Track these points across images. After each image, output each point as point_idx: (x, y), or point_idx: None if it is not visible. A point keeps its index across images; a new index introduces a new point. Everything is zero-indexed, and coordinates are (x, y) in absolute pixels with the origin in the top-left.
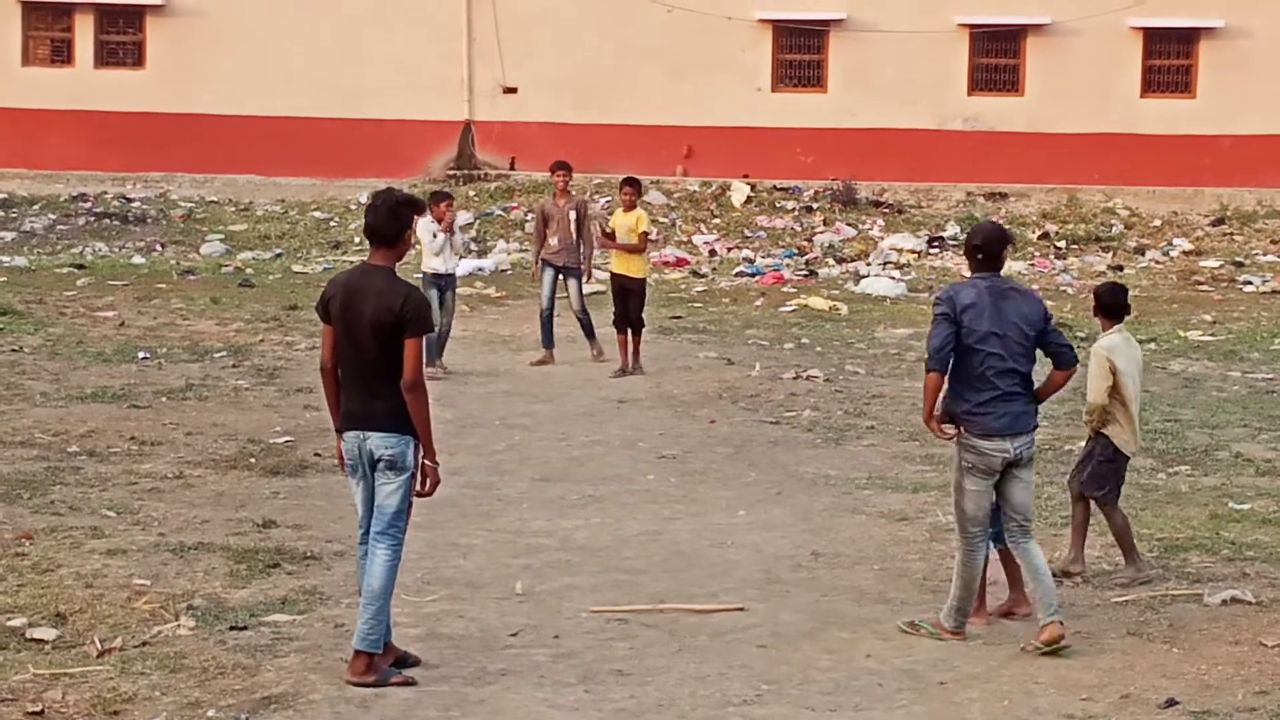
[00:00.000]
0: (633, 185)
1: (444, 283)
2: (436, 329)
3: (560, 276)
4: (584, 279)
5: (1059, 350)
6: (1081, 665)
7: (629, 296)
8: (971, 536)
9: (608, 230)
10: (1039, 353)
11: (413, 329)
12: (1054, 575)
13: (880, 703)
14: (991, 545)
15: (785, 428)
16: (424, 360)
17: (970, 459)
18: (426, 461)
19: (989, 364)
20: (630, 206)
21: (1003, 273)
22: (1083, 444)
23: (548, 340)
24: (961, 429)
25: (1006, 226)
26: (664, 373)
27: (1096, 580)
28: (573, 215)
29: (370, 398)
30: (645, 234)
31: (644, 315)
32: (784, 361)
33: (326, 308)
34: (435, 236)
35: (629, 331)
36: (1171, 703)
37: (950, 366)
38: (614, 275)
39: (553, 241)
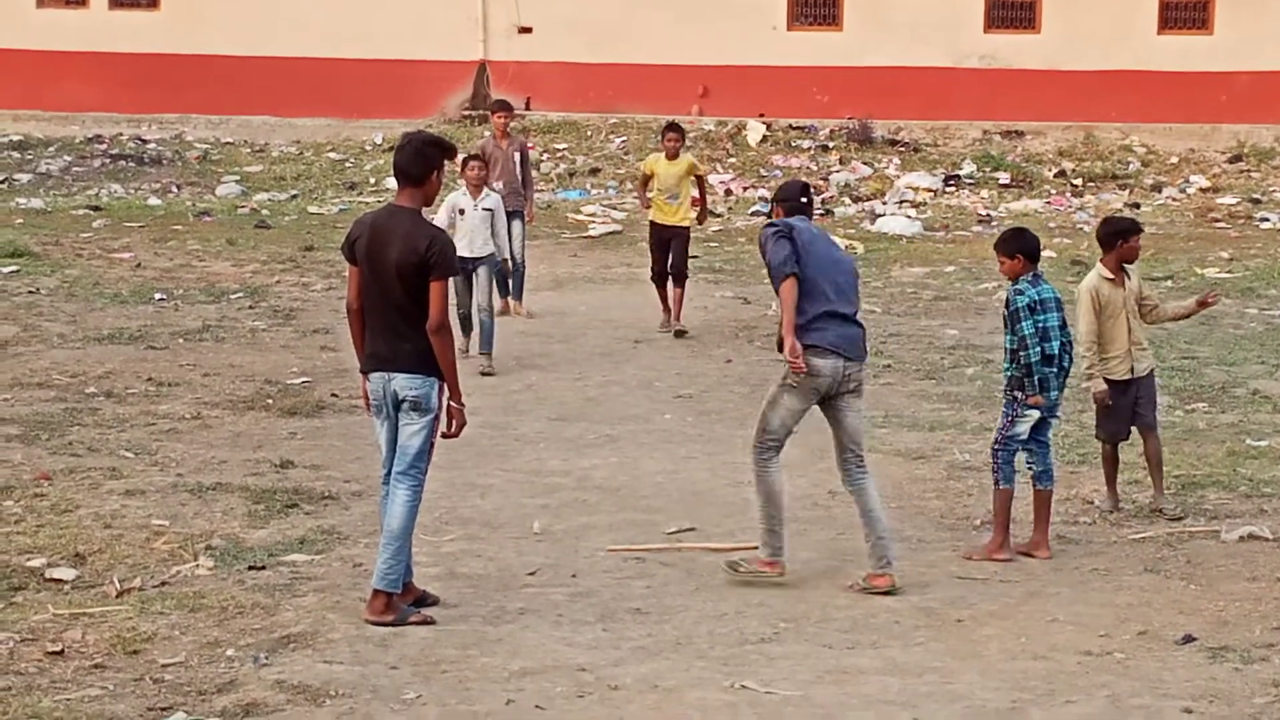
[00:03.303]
0: (677, 131)
1: (471, 266)
2: (462, 311)
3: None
4: (528, 221)
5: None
6: (1099, 602)
7: (673, 246)
8: (764, 450)
9: (647, 197)
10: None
11: (438, 271)
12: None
13: (898, 640)
14: (1036, 483)
15: None
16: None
17: (795, 378)
18: (452, 403)
19: (822, 287)
20: (674, 154)
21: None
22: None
23: (502, 289)
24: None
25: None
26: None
27: (1113, 517)
28: (517, 157)
29: (396, 339)
30: (702, 178)
31: (688, 266)
32: None
33: (352, 248)
34: (462, 214)
35: (671, 284)
36: (1189, 639)
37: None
38: (654, 225)
39: (497, 185)
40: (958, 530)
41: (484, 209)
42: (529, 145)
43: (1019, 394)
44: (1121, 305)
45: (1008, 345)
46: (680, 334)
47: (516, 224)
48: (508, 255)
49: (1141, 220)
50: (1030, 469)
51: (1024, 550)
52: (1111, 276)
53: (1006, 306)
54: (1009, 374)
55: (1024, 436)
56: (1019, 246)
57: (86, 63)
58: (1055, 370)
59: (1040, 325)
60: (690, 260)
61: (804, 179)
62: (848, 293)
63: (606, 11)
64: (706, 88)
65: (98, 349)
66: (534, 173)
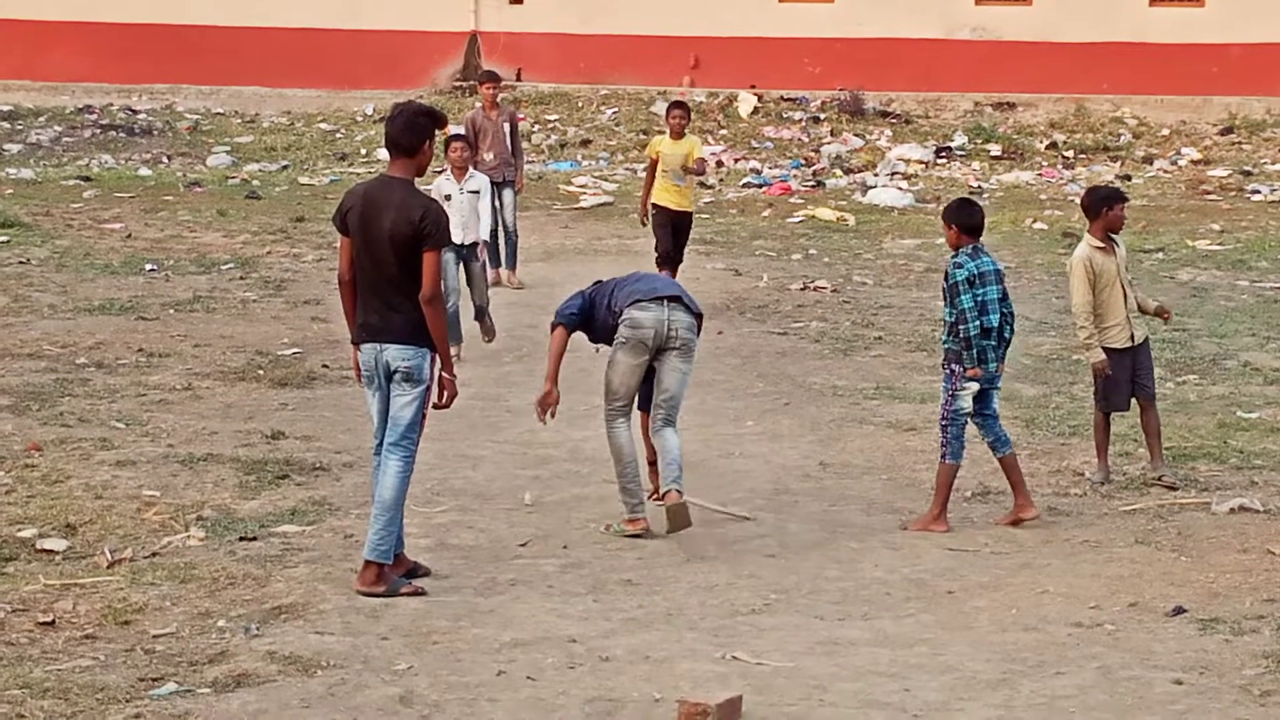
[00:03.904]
0: (682, 109)
1: (465, 252)
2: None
3: (495, 189)
4: (518, 190)
5: None
6: (1090, 574)
7: (675, 232)
8: (612, 415)
9: (645, 207)
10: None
11: (431, 242)
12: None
13: (889, 612)
14: (995, 451)
15: (793, 339)
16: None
17: (625, 333)
18: (444, 374)
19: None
20: (679, 134)
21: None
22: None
23: (494, 259)
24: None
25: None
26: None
27: (1104, 489)
28: (506, 127)
29: (388, 310)
30: (702, 160)
31: (685, 250)
32: (791, 272)
33: (345, 219)
34: (449, 199)
35: (671, 267)
36: (1180, 610)
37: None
38: (660, 208)
39: (488, 156)
40: (949, 502)
41: (470, 191)
42: (519, 116)
43: (956, 367)
44: (1115, 274)
45: (946, 318)
46: None
47: (508, 193)
48: (486, 237)
49: (1133, 192)
50: (986, 440)
51: (1012, 519)
52: (1102, 245)
53: (945, 279)
54: (946, 347)
55: (968, 409)
56: (956, 218)
57: (77, 33)
58: (994, 343)
59: (979, 299)
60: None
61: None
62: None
63: None
64: (698, 59)
65: (88, 320)
66: (524, 144)
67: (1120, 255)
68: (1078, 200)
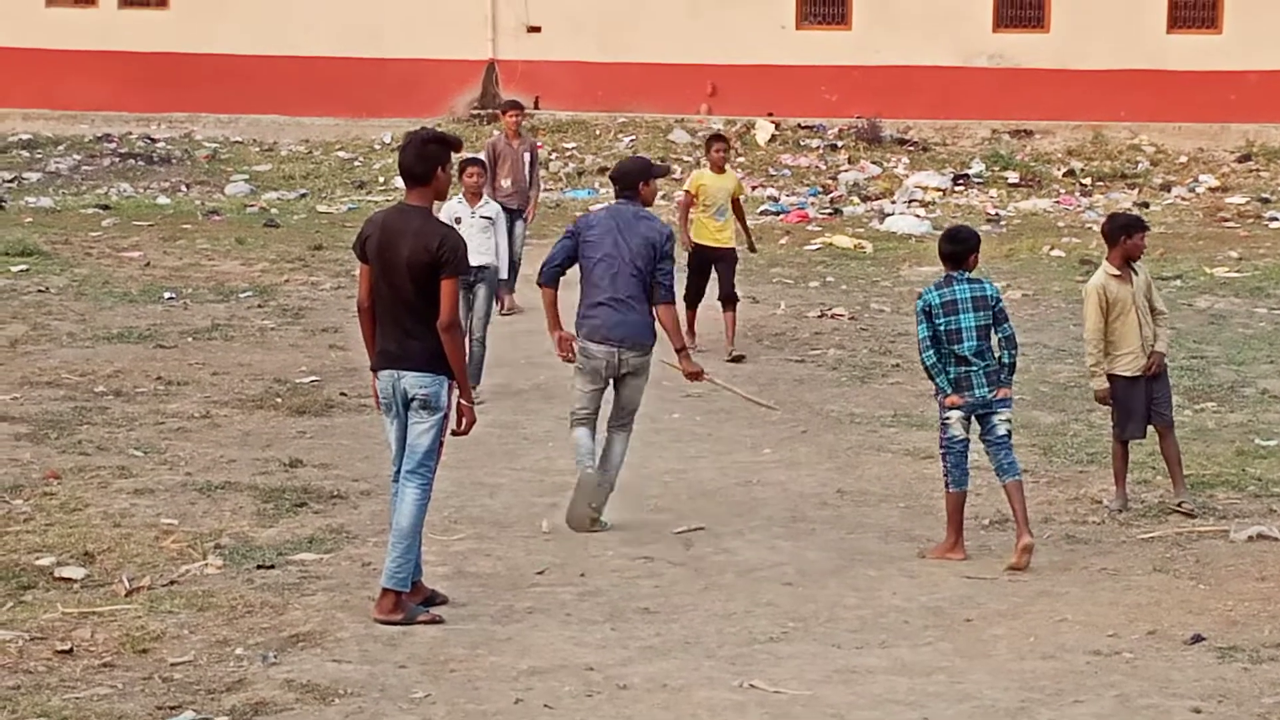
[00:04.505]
0: (724, 143)
1: (471, 277)
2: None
3: (508, 218)
4: (528, 221)
5: (656, 285)
6: (1108, 601)
7: (719, 269)
8: (576, 417)
9: (689, 239)
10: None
11: (449, 270)
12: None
13: (906, 640)
14: (999, 478)
15: (810, 366)
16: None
17: (580, 359)
18: (462, 401)
19: (595, 279)
20: (720, 167)
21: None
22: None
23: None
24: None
25: (651, 159)
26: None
27: (1122, 517)
28: (526, 157)
29: (406, 337)
30: (739, 203)
31: (743, 289)
32: (809, 300)
33: (364, 246)
34: (459, 223)
35: (721, 309)
36: (1198, 639)
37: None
38: (700, 247)
39: (505, 183)
40: (966, 530)
41: (483, 217)
42: (539, 145)
43: (939, 397)
44: (1130, 302)
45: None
46: (738, 359)
47: (519, 225)
48: (505, 275)
49: (1150, 220)
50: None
51: (1013, 564)
52: (1118, 273)
53: None
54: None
55: (961, 436)
56: (941, 247)
57: (96, 61)
58: (975, 368)
59: (943, 328)
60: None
61: (645, 157)
62: (621, 284)
63: (615, 10)
64: (715, 86)
65: (107, 348)
66: (542, 171)
67: (1139, 284)
68: (1095, 228)
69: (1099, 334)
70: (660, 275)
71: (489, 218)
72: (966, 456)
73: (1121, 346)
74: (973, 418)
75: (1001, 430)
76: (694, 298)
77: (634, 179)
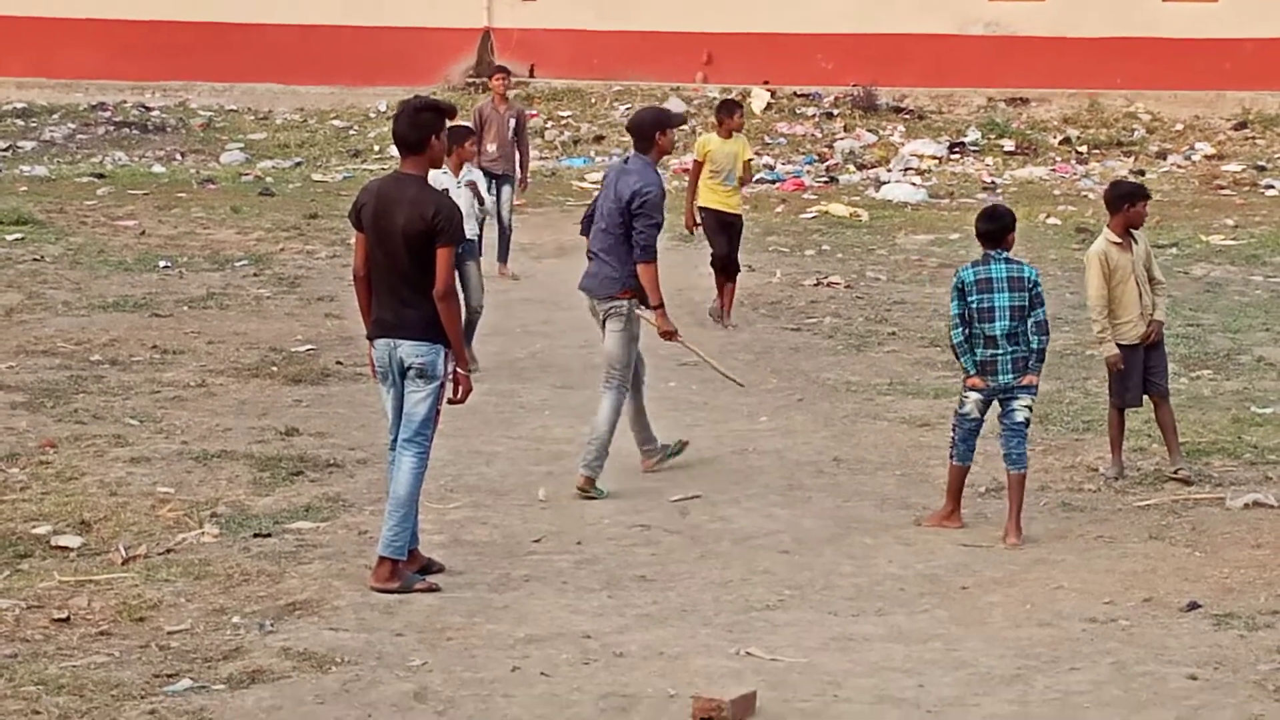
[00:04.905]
0: (741, 110)
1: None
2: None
3: (494, 183)
4: (518, 189)
5: (635, 245)
6: (1104, 569)
7: (731, 236)
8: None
9: (691, 216)
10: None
11: (445, 238)
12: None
13: (903, 607)
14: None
15: (806, 334)
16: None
17: None
18: (459, 369)
19: (594, 226)
20: (729, 132)
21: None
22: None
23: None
24: None
25: (664, 108)
26: (685, 280)
27: (1118, 485)
28: (512, 123)
29: (401, 306)
30: (749, 163)
31: (740, 257)
32: (805, 268)
33: (359, 215)
34: (444, 192)
35: (726, 275)
36: (1194, 606)
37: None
38: (709, 210)
39: (490, 148)
40: (962, 498)
41: (466, 184)
42: (528, 113)
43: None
44: (1130, 270)
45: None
46: (731, 326)
47: (506, 189)
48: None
49: (1147, 187)
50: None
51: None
52: (1119, 240)
53: None
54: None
55: (974, 416)
56: (977, 226)
57: (90, 30)
58: (1003, 351)
59: (975, 306)
60: (697, 226)
61: (660, 107)
62: (598, 238)
63: None
64: (711, 55)
65: (102, 316)
66: (538, 140)
67: (1139, 252)
68: (1092, 196)
69: (1103, 300)
70: (636, 234)
71: (473, 181)
72: (975, 435)
73: (1121, 314)
74: (994, 400)
75: (1019, 417)
76: (723, 262)
77: (648, 129)
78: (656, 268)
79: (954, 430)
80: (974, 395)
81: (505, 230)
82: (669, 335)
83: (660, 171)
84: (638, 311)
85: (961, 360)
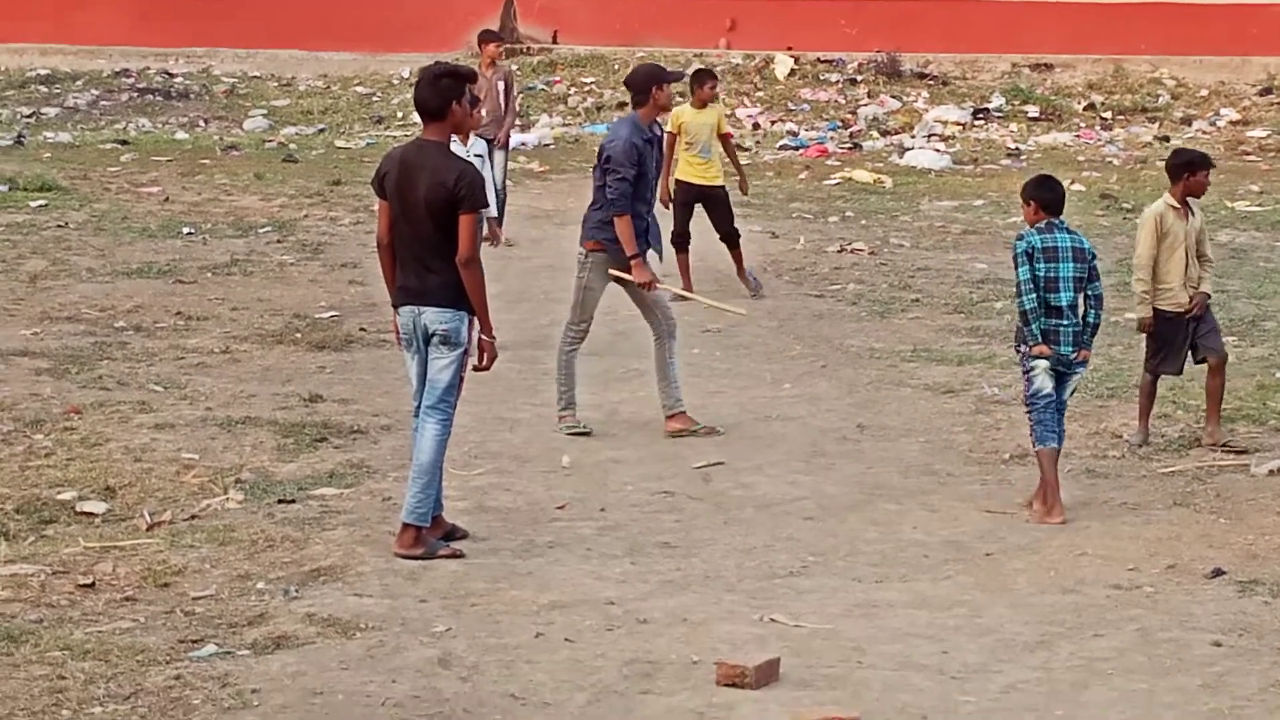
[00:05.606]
0: (715, 80)
1: None
2: None
3: (488, 148)
4: (505, 149)
5: (606, 194)
6: (1128, 536)
7: (709, 209)
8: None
9: (666, 189)
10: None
11: (467, 205)
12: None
13: (927, 574)
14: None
15: (830, 301)
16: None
17: None
18: (483, 336)
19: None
20: (703, 103)
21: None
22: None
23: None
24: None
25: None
26: (708, 247)
27: (1142, 451)
28: (501, 86)
29: (425, 273)
30: (728, 135)
31: (735, 225)
32: (828, 235)
33: (382, 183)
34: None
35: (726, 244)
36: (1218, 572)
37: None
38: (683, 184)
39: (482, 113)
40: (986, 464)
41: (475, 155)
42: (514, 74)
43: (1023, 348)
44: (1182, 238)
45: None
46: (757, 293)
47: (499, 153)
48: (494, 211)
49: (1210, 157)
50: None
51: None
52: (1177, 206)
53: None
54: (1017, 327)
55: (1046, 390)
56: (1035, 194)
57: None
58: (1066, 323)
59: (1042, 274)
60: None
61: (657, 64)
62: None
63: None
64: (734, 21)
65: (126, 283)
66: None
67: (1194, 224)
68: (1116, 162)
69: (1150, 260)
70: (606, 189)
71: (480, 155)
72: (1053, 410)
73: (1164, 280)
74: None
75: (1067, 394)
76: (678, 239)
77: (644, 83)
78: (630, 219)
79: (1029, 415)
80: (1042, 364)
81: (500, 194)
82: (649, 285)
83: (660, 127)
84: (610, 271)
85: (1030, 328)
